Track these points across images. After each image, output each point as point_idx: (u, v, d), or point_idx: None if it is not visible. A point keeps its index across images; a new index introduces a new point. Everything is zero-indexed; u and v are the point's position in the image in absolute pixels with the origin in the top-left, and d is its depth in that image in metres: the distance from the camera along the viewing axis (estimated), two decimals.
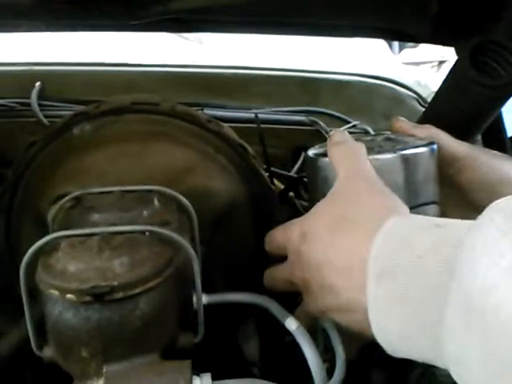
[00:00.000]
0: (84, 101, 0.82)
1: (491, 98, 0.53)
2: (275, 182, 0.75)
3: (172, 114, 0.53)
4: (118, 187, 0.43)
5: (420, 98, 0.87)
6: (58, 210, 0.43)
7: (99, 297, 0.32)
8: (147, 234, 0.37)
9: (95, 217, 0.40)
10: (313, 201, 0.48)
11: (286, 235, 0.43)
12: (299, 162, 0.82)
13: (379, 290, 0.32)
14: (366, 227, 0.35)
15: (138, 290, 0.33)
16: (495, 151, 0.51)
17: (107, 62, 0.85)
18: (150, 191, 0.44)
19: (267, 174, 0.74)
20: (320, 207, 0.41)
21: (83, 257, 0.34)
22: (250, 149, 0.56)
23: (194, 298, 0.41)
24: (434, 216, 0.46)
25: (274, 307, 0.41)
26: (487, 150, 0.51)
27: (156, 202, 0.43)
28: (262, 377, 0.59)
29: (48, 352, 0.35)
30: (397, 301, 0.31)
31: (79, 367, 0.33)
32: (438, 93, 0.59)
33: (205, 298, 0.42)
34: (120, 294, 0.33)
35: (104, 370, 0.33)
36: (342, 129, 0.83)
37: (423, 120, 0.62)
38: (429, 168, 0.46)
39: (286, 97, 0.85)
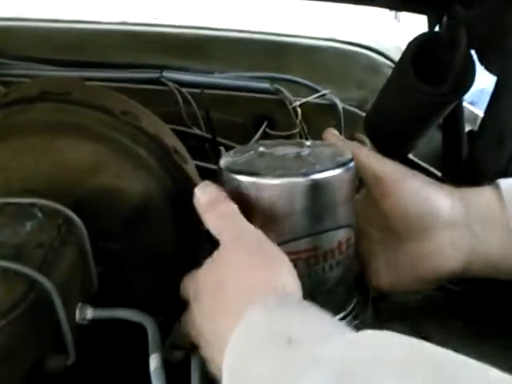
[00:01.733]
0: (37, 58, 0.79)
1: (435, 103, 0.48)
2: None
3: (85, 104, 0.50)
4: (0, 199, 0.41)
5: None
6: None
7: None
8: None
9: None
10: None
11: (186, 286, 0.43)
12: (260, 132, 0.78)
13: None
14: (234, 309, 0.35)
15: None
16: (424, 177, 0.47)
17: (60, 18, 0.80)
18: (34, 204, 0.41)
19: (212, 144, 0.71)
20: (208, 266, 0.40)
21: None
22: (171, 143, 0.53)
23: (77, 314, 0.41)
24: (339, 240, 0.43)
25: (151, 331, 0.40)
26: (416, 174, 0.47)
27: (39, 215, 0.41)
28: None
29: None
30: None
31: None
32: (384, 87, 0.53)
33: (89, 313, 0.42)
34: None
35: None
36: (310, 98, 0.78)
37: (369, 113, 0.57)
38: (337, 192, 0.42)
39: (251, 61, 0.80)
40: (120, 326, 0.44)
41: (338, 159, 0.43)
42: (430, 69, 0.47)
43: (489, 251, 0.45)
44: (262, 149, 0.46)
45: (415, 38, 0.46)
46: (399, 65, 0.49)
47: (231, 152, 0.48)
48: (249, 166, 0.43)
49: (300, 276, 0.42)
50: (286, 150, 0.45)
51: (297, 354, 0.29)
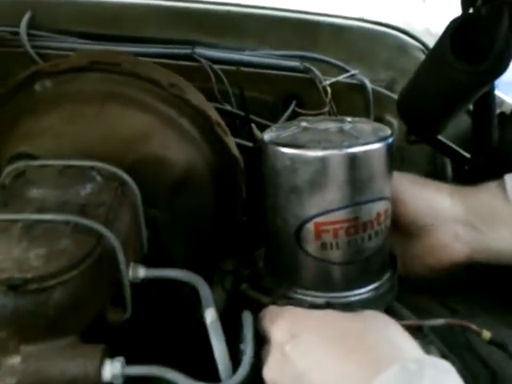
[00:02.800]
0: (73, 32, 0.80)
1: (469, 83, 0.49)
2: (256, 131, 0.74)
3: (133, 74, 0.52)
4: (61, 161, 0.44)
5: (427, 48, 0.81)
6: (5, 176, 0.44)
7: (14, 288, 0.34)
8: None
9: (33, 192, 0.41)
10: (263, 188, 0.48)
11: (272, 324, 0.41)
12: (289, 111, 0.80)
13: None
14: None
15: (51, 283, 0.35)
16: (425, 180, 0.53)
17: None
18: (93, 167, 0.44)
19: (246, 120, 0.72)
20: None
21: (3, 246, 0.35)
22: (214, 115, 0.55)
23: (131, 272, 0.44)
24: (378, 211, 0.45)
25: (203, 290, 0.42)
26: (416, 179, 0.53)
27: (98, 178, 0.43)
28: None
29: None
30: None
31: (0, 345, 0.36)
32: (421, 66, 0.55)
33: (142, 272, 0.44)
34: (34, 286, 0.34)
35: (21, 349, 0.36)
36: (340, 78, 0.80)
37: (404, 91, 0.59)
38: (377, 165, 0.44)
39: (281, 39, 0.81)
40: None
41: (378, 134, 0.46)
42: (468, 50, 0.48)
43: (492, 243, 0.50)
44: (304, 124, 0.48)
45: (456, 18, 0.47)
46: (438, 44, 0.51)
47: (273, 128, 0.50)
48: (294, 139, 0.45)
49: (341, 244, 0.45)
50: (328, 124, 0.47)
51: None
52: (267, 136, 0.47)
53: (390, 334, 0.36)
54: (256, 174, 0.64)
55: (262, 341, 0.41)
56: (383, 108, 0.78)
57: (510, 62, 0.47)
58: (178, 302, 0.50)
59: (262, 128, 0.77)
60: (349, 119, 0.48)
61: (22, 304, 0.34)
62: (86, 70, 0.51)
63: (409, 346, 0.34)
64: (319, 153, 0.43)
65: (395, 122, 0.78)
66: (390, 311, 0.47)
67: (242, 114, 0.75)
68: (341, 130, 0.46)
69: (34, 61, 0.76)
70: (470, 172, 0.66)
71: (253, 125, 0.74)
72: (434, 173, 0.78)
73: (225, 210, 0.58)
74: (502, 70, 0.47)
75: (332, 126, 0.47)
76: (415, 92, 0.56)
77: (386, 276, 0.50)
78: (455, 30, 0.48)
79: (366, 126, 0.48)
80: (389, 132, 0.46)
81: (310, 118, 0.51)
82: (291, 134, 0.47)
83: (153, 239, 0.51)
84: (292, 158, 0.44)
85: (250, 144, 0.71)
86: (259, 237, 0.57)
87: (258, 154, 0.69)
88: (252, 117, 0.75)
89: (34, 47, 0.78)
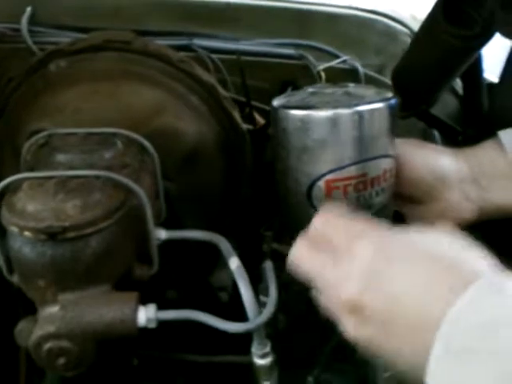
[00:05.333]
0: (73, 27, 0.83)
1: (462, 48, 0.53)
2: (256, 115, 0.77)
3: (145, 52, 0.55)
4: (84, 129, 0.46)
5: (413, 33, 0.85)
6: (29, 148, 0.46)
7: (53, 236, 0.36)
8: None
9: (59, 157, 0.43)
10: (274, 154, 0.51)
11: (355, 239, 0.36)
12: None
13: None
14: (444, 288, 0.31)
15: (88, 231, 0.37)
16: (431, 145, 0.54)
17: None
18: (114, 134, 0.46)
19: (248, 107, 0.75)
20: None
21: (41, 198, 0.37)
22: (221, 90, 0.58)
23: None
24: (385, 168, 0.48)
25: (223, 245, 0.45)
26: (420, 143, 0.54)
27: (119, 144, 0.46)
28: (231, 301, 0.65)
29: (15, 278, 0.40)
30: None
31: (38, 294, 0.38)
32: (414, 39, 0.58)
33: (164, 234, 0.46)
34: (72, 234, 0.36)
35: (59, 297, 0.37)
36: (332, 63, 0.83)
37: (399, 64, 0.63)
38: (383, 123, 0.47)
39: (276, 29, 0.84)
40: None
41: (382, 95, 0.49)
42: (459, 19, 0.52)
43: (496, 198, 0.52)
44: (311, 89, 0.51)
45: None
46: (430, 15, 0.55)
47: (281, 96, 0.53)
48: (303, 102, 0.48)
49: (350, 200, 0.48)
50: (334, 89, 0.51)
51: None
52: (277, 102, 0.50)
53: (468, 253, 0.34)
54: (258, 152, 0.68)
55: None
56: None
57: (496, 27, 0.50)
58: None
59: (261, 113, 0.81)
60: (352, 84, 0.51)
61: (59, 252, 0.37)
62: (100, 49, 0.53)
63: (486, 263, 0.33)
64: (329, 112, 0.46)
65: None
66: None
67: (242, 99, 0.78)
68: (346, 93, 0.49)
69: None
70: (462, 144, 0.69)
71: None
72: None
73: (233, 182, 0.61)
74: (489, 34, 0.51)
75: (337, 89, 0.50)
76: (410, 63, 0.59)
77: None
78: (446, 1, 0.52)
79: (369, 89, 0.51)
80: (392, 94, 0.49)
81: (316, 85, 0.54)
82: (300, 98, 0.49)
83: (166, 209, 0.53)
84: (303, 118, 0.47)
85: (251, 127, 0.74)
86: (266, 209, 0.60)
87: (258, 135, 0.73)
88: (254, 103, 0.78)
89: (35, 43, 0.80)
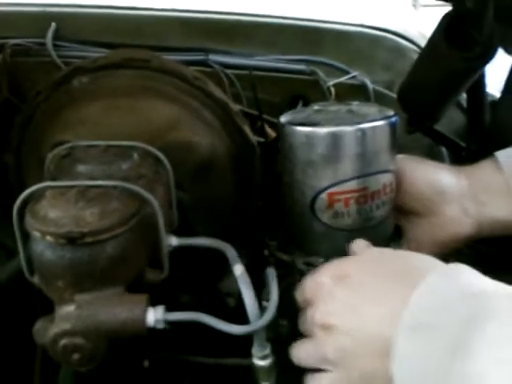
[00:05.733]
0: (96, 42, 0.87)
1: (464, 68, 0.55)
2: (267, 129, 0.80)
3: (162, 70, 0.58)
4: (104, 142, 0.49)
5: None
6: (52, 159, 0.50)
7: (72, 240, 0.39)
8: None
9: (80, 168, 0.47)
10: (281, 167, 0.54)
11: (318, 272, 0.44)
12: None
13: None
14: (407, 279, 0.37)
15: (104, 236, 0.40)
16: (431, 161, 0.56)
17: (117, 5, 0.88)
18: (132, 147, 0.49)
19: (259, 120, 0.79)
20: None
21: (62, 206, 0.41)
22: (233, 106, 0.61)
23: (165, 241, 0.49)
24: (385, 182, 0.51)
25: (229, 252, 0.47)
26: (420, 159, 0.56)
27: (136, 156, 0.49)
28: (239, 307, 0.67)
29: (36, 280, 0.43)
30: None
31: (57, 294, 0.41)
32: (418, 58, 0.61)
33: (175, 241, 0.49)
34: (89, 239, 0.40)
35: (76, 297, 0.41)
36: (342, 79, 0.86)
37: (404, 84, 0.65)
38: (384, 140, 0.50)
39: (288, 45, 0.87)
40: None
41: (382, 113, 0.51)
42: (460, 40, 0.55)
43: (495, 214, 0.53)
44: (316, 107, 0.54)
45: (448, 12, 0.54)
46: (432, 37, 0.57)
47: (288, 113, 0.56)
48: (308, 119, 0.51)
49: (351, 213, 0.51)
50: (338, 107, 0.53)
51: (488, 299, 0.32)
52: (284, 118, 0.53)
53: (428, 262, 0.39)
54: (268, 164, 0.71)
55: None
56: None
57: (497, 48, 0.53)
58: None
59: (272, 126, 0.84)
60: (356, 102, 0.54)
61: (78, 255, 0.40)
62: (121, 66, 0.57)
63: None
64: (332, 129, 0.49)
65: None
66: None
67: (255, 113, 0.81)
68: (350, 111, 0.52)
69: (60, 69, 0.83)
70: (466, 159, 0.71)
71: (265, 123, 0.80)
72: None
73: (243, 194, 0.64)
74: (490, 54, 0.53)
75: (341, 107, 0.53)
76: (414, 83, 0.62)
77: (392, 246, 0.55)
78: (448, 23, 0.54)
79: (371, 107, 0.54)
80: (393, 113, 0.52)
81: (321, 103, 0.56)
82: (305, 115, 0.53)
83: (179, 219, 0.57)
84: (308, 135, 0.50)
85: (262, 140, 0.78)
86: (273, 220, 0.62)
87: (269, 148, 0.76)
88: (265, 116, 0.81)
89: (59, 56, 0.84)
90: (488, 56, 0.53)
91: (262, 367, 0.44)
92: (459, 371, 0.30)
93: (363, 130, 0.49)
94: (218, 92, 0.59)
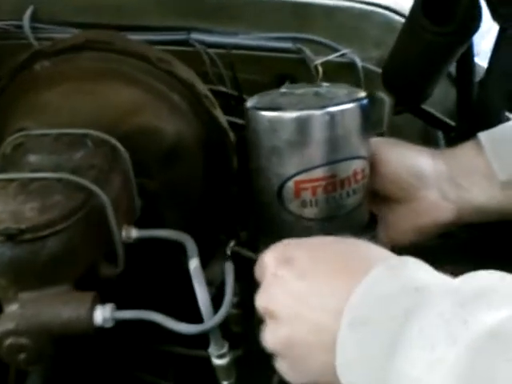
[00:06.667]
0: (74, 23, 0.84)
1: (443, 43, 0.52)
2: None
3: (125, 52, 0.55)
4: (56, 130, 0.47)
5: None
6: (5, 148, 0.48)
7: (10, 237, 0.37)
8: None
9: (30, 158, 0.45)
10: (248, 153, 0.51)
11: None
12: None
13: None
14: (350, 274, 0.34)
15: (45, 233, 0.38)
16: (407, 144, 0.53)
17: None
18: (86, 135, 0.47)
19: (239, 101, 0.75)
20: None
21: (1, 200, 0.39)
22: (202, 87, 0.58)
23: (124, 233, 0.47)
24: (355, 169, 0.48)
25: (189, 244, 0.45)
26: (399, 143, 0.53)
27: (90, 144, 0.47)
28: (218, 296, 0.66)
29: None
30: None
31: (1, 293, 0.40)
32: (398, 35, 0.57)
33: (134, 233, 0.47)
34: (28, 236, 0.38)
35: (19, 296, 0.39)
36: (330, 57, 0.82)
37: (387, 61, 0.61)
38: (353, 124, 0.46)
39: (275, 22, 0.83)
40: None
41: (352, 96, 0.48)
42: (438, 14, 0.51)
43: (475, 199, 0.50)
44: (283, 90, 0.51)
45: None
46: (411, 12, 0.53)
47: (255, 96, 0.53)
48: (272, 104, 0.48)
49: (319, 202, 0.48)
50: (306, 89, 0.50)
51: (427, 295, 0.30)
52: (249, 102, 0.50)
53: (376, 253, 0.37)
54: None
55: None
56: (374, 85, 0.80)
57: (479, 22, 0.49)
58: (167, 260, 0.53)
59: None
60: (326, 84, 0.51)
61: (18, 252, 0.38)
62: (82, 48, 0.55)
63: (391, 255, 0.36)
64: (295, 114, 0.46)
65: (387, 98, 0.80)
66: None
67: (236, 94, 0.78)
68: (316, 94, 0.48)
69: None
70: (457, 139, 0.67)
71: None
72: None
73: (215, 180, 0.61)
74: (471, 29, 0.49)
75: (309, 90, 0.49)
76: (396, 61, 0.58)
77: (366, 237, 0.52)
78: None
79: (341, 89, 0.50)
80: (363, 94, 0.49)
81: (289, 85, 0.53)
82: (270, 98, 0.49)
83: (146, 207, 0.54)
84: (271, 119, 0.47)
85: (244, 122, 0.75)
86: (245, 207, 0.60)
87: None
88: (246, 97, 0.78)
89: (37, 39, 0.82)
90: (468, 30, 0.49)
91: (220, 366, 0.42)
92: (394, 374, 0.28)
93: (331, 114, 0.46)
94: (184, 73, 0.56)
